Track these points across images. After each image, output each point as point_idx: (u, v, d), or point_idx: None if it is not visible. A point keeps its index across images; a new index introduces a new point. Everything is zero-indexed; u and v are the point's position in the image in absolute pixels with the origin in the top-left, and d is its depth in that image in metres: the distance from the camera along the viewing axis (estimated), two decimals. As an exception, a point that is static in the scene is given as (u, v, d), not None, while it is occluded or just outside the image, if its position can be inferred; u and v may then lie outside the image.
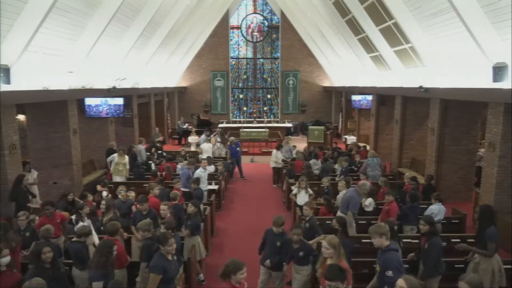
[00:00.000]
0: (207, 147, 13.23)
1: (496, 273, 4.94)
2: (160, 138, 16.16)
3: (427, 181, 9.30)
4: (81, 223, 6.15)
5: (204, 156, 12.25)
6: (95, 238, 5.71)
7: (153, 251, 4.89)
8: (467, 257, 5.42)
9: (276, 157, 12.17)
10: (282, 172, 12.23)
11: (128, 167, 10.53)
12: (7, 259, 4.32)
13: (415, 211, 6.97)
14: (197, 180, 8.08)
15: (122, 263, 5.09)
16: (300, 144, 17.91)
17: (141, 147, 12.65)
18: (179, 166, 11.07)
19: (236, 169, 13.55)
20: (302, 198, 8.17)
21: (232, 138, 14.27)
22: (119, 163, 10.29)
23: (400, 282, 3.26)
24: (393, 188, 8.61)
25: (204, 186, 8.94)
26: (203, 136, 14.83)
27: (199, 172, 8.97)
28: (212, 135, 16.00)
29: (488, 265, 4.96)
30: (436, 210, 7.01)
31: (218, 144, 14.51)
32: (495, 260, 5.02)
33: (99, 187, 8.94)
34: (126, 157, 10.56)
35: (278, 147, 12.48)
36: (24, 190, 7.87)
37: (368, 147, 15.39)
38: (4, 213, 7.52)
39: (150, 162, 11.99)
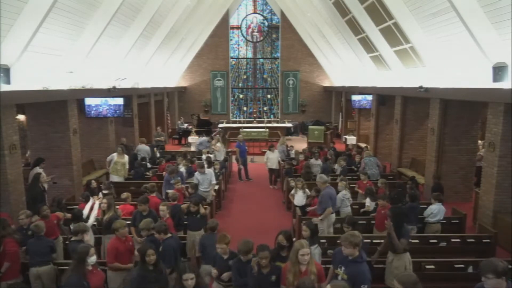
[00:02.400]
0: (221, 147, 13.26)
1: (407, 270, 5.11)
2: (161, 138, 16.09)
3: (436, 179, 9.33)
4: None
5: (219, 156, 12.40)
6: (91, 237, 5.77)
7: (157, 247, 4.90)
8: (371, 259, 5.51)
9: (268, 158, 12.02)
10: (279, 172, 12.19)
11: (127, 166, 10.49)
12: (94, 258, 4.30)
13: (414, 211, 6.98)
14: (196, 186, 8.10)
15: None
16: (300, 144, 17.93)
17: (146, 147, 12.71)
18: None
19: (235, 169, 13.48)
20: (299, 198, 8.16)
21: (240, 136, 14.04)
22: (118, 163, 10.22)
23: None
24: (392, 189, 8.63)
25: (204, 187, 8.90)
26: (203, 139, 14.76)
27: (197, 175, 8.93)
28: (212, 136, 15.98)
29: (401, 262, 5.13)
30: (436, 210, 7.04)
31: (219, 144, 14.45)
32: (406, 258, 5.22)
33: (94, 183, 8.89)
34: (126, 157, 10.50)
35: (270, 148, 12.30)
36: (41, 189, 7.97)
37: (368, 148, 15.41)
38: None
39: (144, 162, 11.94)
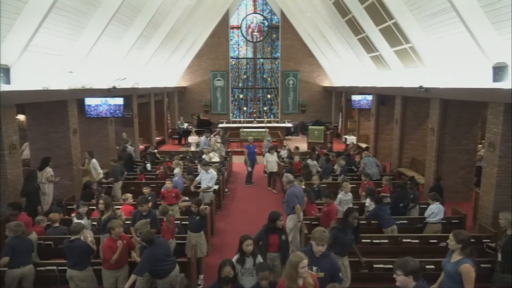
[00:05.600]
0: (221, 147, 13.29)
1: None
2: (127, 146, 13.23)
3: (435, 181, 9.35)
4: (76, 221, 6.17)
5: (215, 156, 12.36)
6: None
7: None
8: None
9: (267, 161, 11.65)
10: (276, 174, 11.86)
11: (96, 170, 10.27)
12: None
13: (385, 212, 6.99)
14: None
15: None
16: (299, 144, 17.92)
17: (129, 147, 12.83)
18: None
19: (235, 169, 13.43)
20: None
21: (250, 137, 13.54)
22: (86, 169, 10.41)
23: None
24: (393, 189, 8.64)
25: (203, 187, 8.93)
26: (203, 139, 14.79)
27: (201, 174, 8.98)
28: (212, 135, 15.96)
29: None
30: (436, 209, 7.03)
31: (219, 145, 14.45)
32: None
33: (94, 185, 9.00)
34: (92, 161, 10.25)
35: (270, 150, 11.85)
36: (36, 187, 8.09)
37: (369, 148, 15.41)
38: (4, 213, 7.52)
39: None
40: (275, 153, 11.96)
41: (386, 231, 6.88)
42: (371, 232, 6.97)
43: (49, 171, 8.87)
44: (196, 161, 11.98)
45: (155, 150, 14.29)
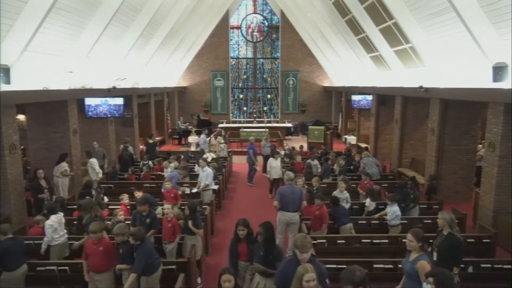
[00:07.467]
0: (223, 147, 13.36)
1: None
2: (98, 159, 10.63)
3: (429, 181, 9.34)
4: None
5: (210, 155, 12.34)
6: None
7: (132, 253, 4.84)
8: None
9: (271, 166, 10.85)
10: (280, 180, 10.67)
11: (94, 170, 10.02)
12: None
13: (341, 213, 7.01)
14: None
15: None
16: (299, 144, 17.91)
17: (131, 148, 12.78)
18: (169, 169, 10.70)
19: (235, 169, 13.42)
20: None
21: (252, 138, 13.30)
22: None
23: None
24: (394, 188, 8.62)
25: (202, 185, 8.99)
26: (202, 136, 14.81)
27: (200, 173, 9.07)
28: (212, 135, 15.95)
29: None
30: (398, 211, 6.98)
31: (222, 145, 14.44)
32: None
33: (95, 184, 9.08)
34: (90, 161, 10.07)
35: (274, 154, 11.00)
36: (38, 183, 8.55)
37: (368, 148, 15.41)
38: (4, 213, 7.53)
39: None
40: (279, 158, 11.12)
41: (344, 230, 6.86)
42: (371, 232, 6.96)
43: (63, 166, 9.22)
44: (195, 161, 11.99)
45: (157, 144, 14.22)
